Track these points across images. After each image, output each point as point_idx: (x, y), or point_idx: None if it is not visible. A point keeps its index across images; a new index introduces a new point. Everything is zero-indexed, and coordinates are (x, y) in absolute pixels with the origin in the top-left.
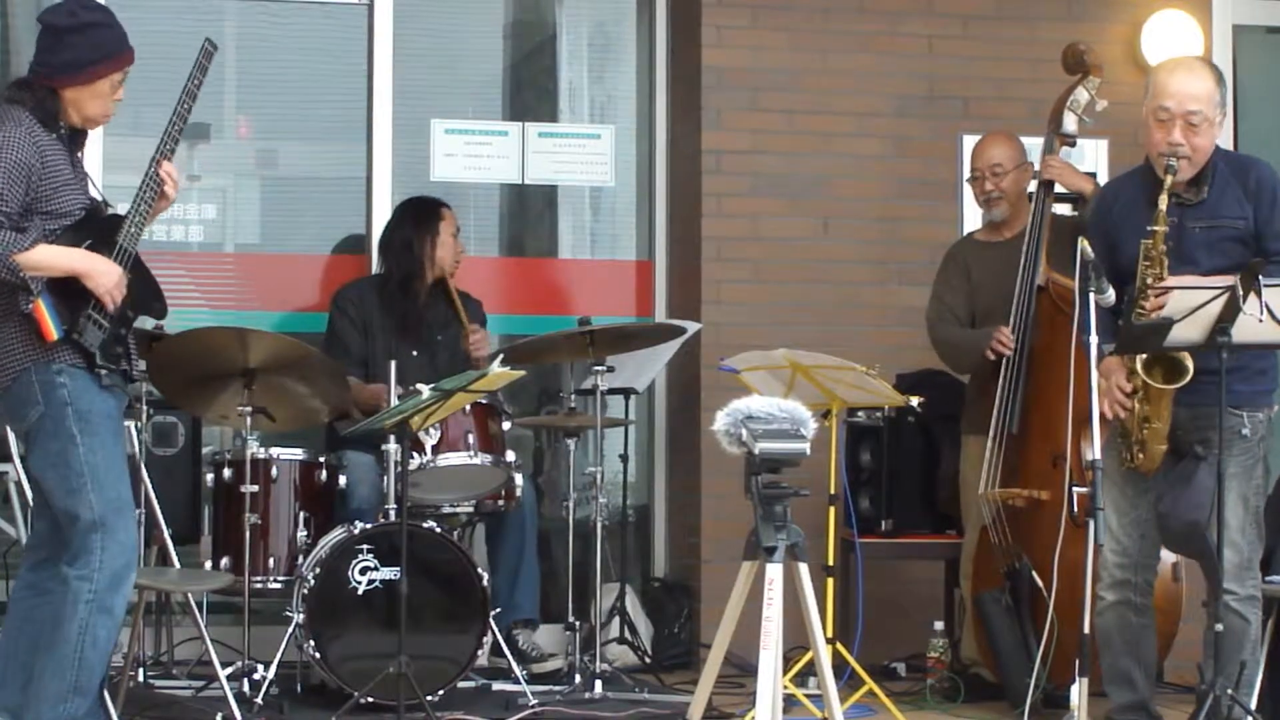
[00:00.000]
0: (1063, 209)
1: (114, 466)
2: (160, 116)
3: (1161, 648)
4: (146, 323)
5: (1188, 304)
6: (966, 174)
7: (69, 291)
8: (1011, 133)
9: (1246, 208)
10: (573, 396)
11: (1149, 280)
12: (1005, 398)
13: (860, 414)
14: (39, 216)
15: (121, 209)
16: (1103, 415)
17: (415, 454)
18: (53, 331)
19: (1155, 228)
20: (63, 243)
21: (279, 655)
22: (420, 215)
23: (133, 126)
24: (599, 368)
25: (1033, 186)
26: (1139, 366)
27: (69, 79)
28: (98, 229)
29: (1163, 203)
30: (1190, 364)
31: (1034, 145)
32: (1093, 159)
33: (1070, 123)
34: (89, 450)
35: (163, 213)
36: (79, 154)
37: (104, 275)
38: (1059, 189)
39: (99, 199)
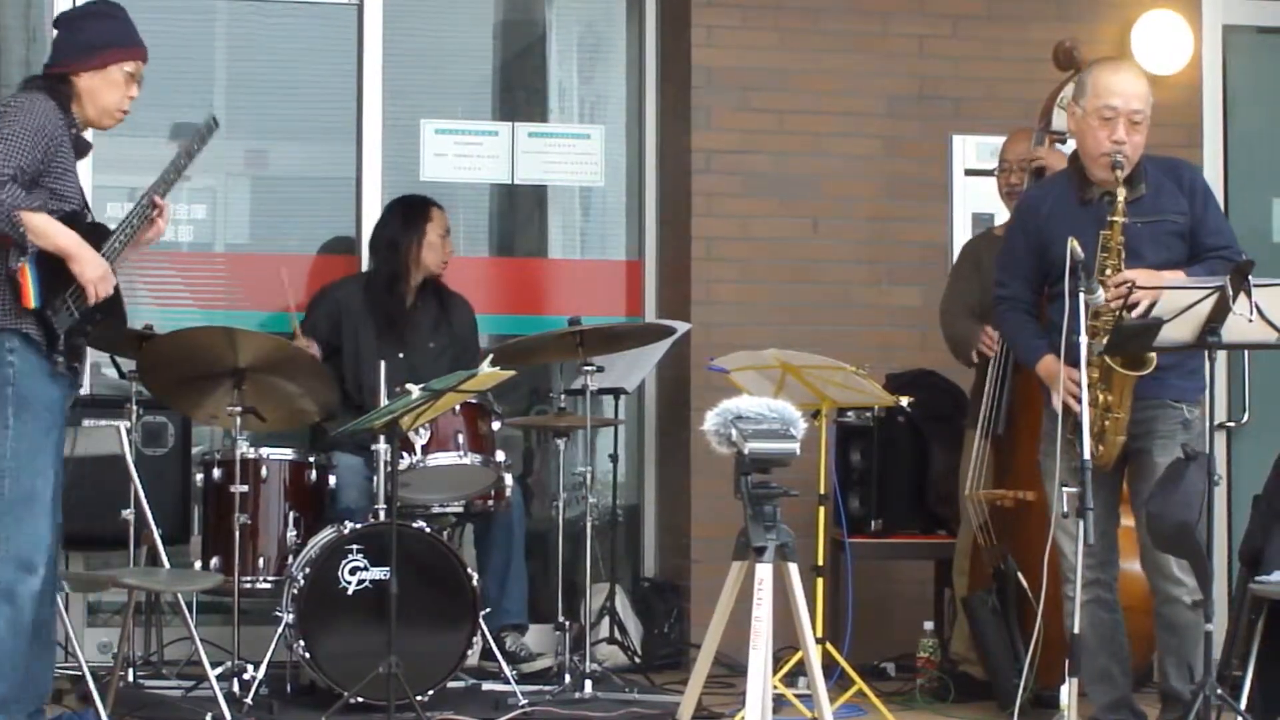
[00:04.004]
0: None
1: (38, 458)
2: (152, 116)
3: (1145, 649)
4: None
5: (1178, 304)
6: (971, 172)
7: (52, 272)
8: None
9: (1183, 204)
10: (562, 396)
11: (1108, 271)
12: (992, 398)
13: (850, 414)
14: (44, 191)
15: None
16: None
17: (405, 454)
18: (32, 299)
19: (1115, 219)
20: None
21: (269, 655)
22: (408, 215)
23: (123, 127)
24: (588, 368)
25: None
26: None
27: (83, 62)
28: (85, 231)
29: (1121, 195)
30: (1154, 354)
31: None
32: None
33: (1060, 120)
34: (16, 436)
35: (147, 243)
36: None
37: (92, 265)
38: None
39: (86, 203)
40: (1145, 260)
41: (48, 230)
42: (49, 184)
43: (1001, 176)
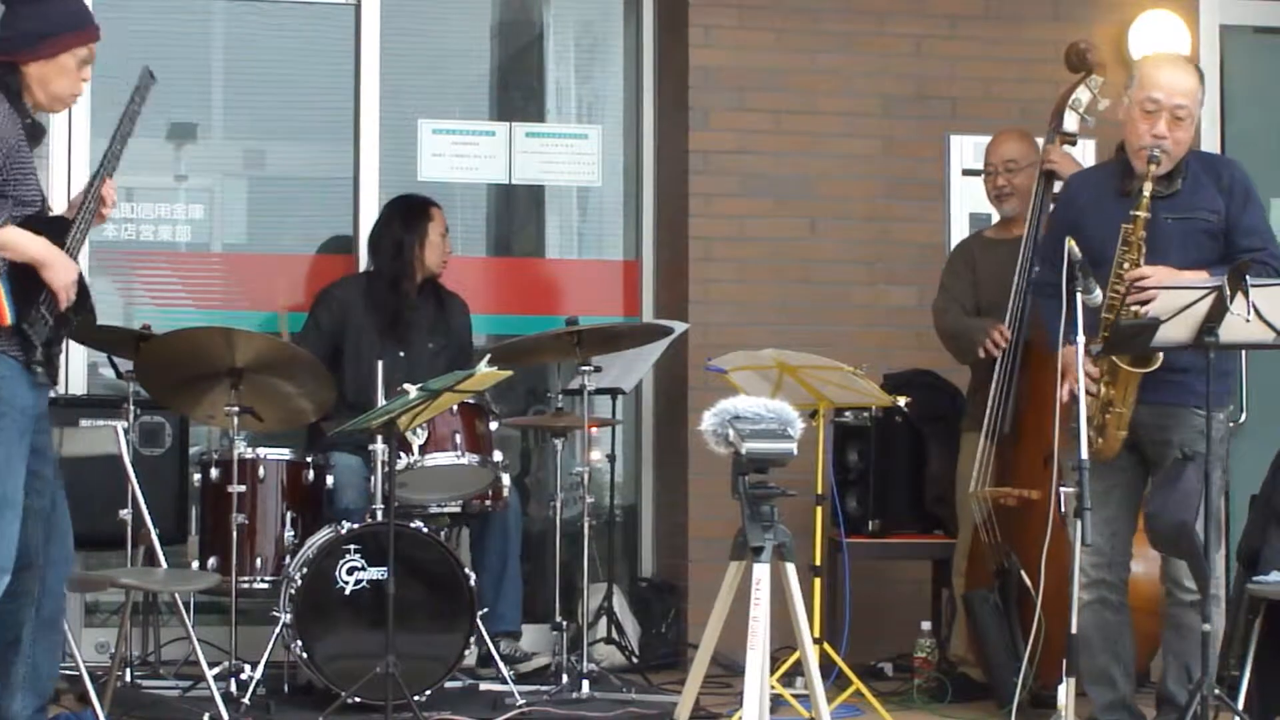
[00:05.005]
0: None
1: (9, 464)
2: (149, 116)
3: (1148, 649)
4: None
5: (1175, 304)
6: (966, 172)
7: (21, 280)
8: (1026, 130)
9: (1219, 203)
10: (560, 397)
11: (1125, 265)
12: (998, 397)
13: (847, 414)
14: (8, 201)
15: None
16: (1063, 404)
17: (402, 454)
18: (8, 316)
19: (1137, 213)
20: None
21: (266, 655)
22: (409, 215)
23: None
24: (586, 368)
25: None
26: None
27: (29, 52)
28: (47, 227)
29: (1147, 189)
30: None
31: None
32: (1081, 160)
33: (1071, 122)
34: None
35: (98, 225)
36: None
37: (64, 270)
38: (1059, 187)
39: (45, 196)
40: (1171, 258)
41: (18, 243)
42: (10, 191)
43: (988, 180)
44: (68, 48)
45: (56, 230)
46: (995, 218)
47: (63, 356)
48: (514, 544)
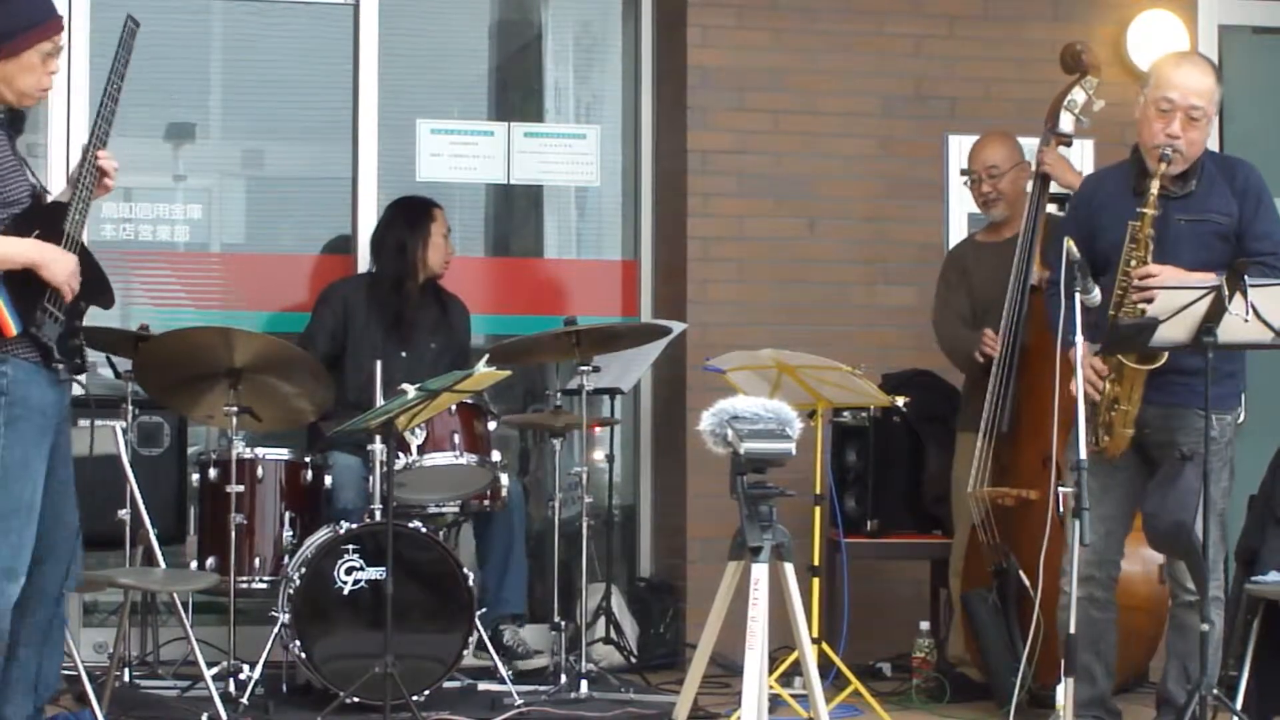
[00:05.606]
0: (1052, 207)
1: (28, 467)
2: (147, 116)
3: (1147, 649)
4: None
5: (1174, 304)
6: (964, 173)
7: (21, 284)
8: (1008, 132)
9: (1232, 205)
10: (558, 396)
11: (1132, 263)
12: (996, 396)
13: (846, 414)
14: None
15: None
16: (1068, 396)
17: (401, 454)
18: (12, 327)
19: (1145, 210)
20: (10, 233)
21: (264, 655)
22: (412, 216)
23: (119, 127)
24: (585, 368)
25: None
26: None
27: None
28: (43, 218)
29: (1154, 187)
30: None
31: (1028, 145)
32: (1079, 160)
33: (1067, 123)
34: (6, 446)
35: (102, 196)
36: (17, 139)
37: (59, 265)
38: (1055, 188)
39: (38, 185)
40: (1182, 259)
41: (6, 253)
42: None
43: (973, 187)
44: (31, 44)
45: (54, 218)
46: None
47: (86, 352)
48: (519, 534)
